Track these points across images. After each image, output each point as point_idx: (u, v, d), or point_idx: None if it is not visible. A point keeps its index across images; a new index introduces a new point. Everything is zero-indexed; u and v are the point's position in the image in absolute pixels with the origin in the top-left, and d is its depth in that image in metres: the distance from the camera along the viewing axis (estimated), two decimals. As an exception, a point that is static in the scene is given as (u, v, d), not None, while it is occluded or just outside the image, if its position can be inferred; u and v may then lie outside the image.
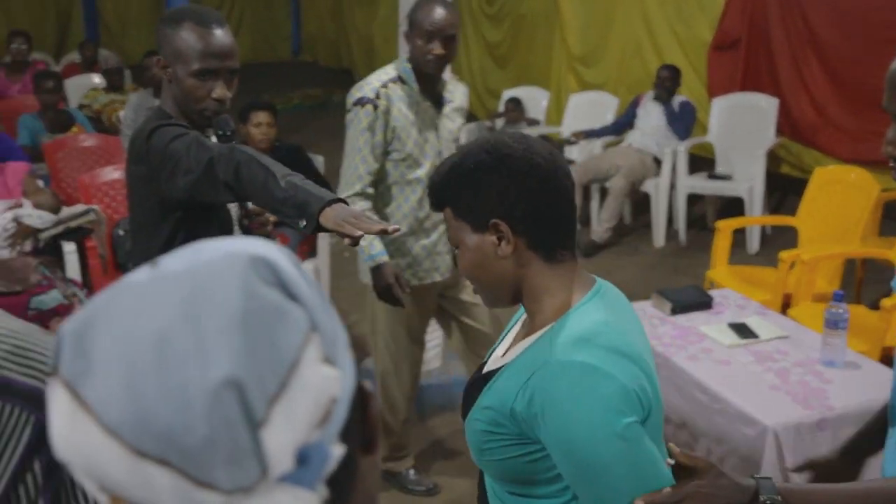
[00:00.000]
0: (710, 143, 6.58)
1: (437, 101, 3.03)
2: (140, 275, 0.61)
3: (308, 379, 0.57)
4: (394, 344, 3.16)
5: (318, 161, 4.86)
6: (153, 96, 5.79)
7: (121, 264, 4.39)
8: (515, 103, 7.38)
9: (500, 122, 7.42)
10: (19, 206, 4.10)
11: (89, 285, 4.24)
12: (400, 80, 2.96)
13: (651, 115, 6.38)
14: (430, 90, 3.00)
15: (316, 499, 0.57)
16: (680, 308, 3.30)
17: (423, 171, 2.98)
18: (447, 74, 3.10)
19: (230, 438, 0.54)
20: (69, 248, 4.20)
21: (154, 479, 0.55)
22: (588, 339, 1.34)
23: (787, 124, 6.63)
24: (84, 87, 7.08)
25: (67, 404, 0.57)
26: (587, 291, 1.42)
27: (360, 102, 2.93)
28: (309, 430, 0.57)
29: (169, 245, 2.15)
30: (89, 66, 7.82)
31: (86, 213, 4.24)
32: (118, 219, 4.45)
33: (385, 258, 2.92)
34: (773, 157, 6.50)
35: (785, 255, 4.04)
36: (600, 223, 6.18)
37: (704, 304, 3.34)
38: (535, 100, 7.74)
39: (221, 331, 0.56)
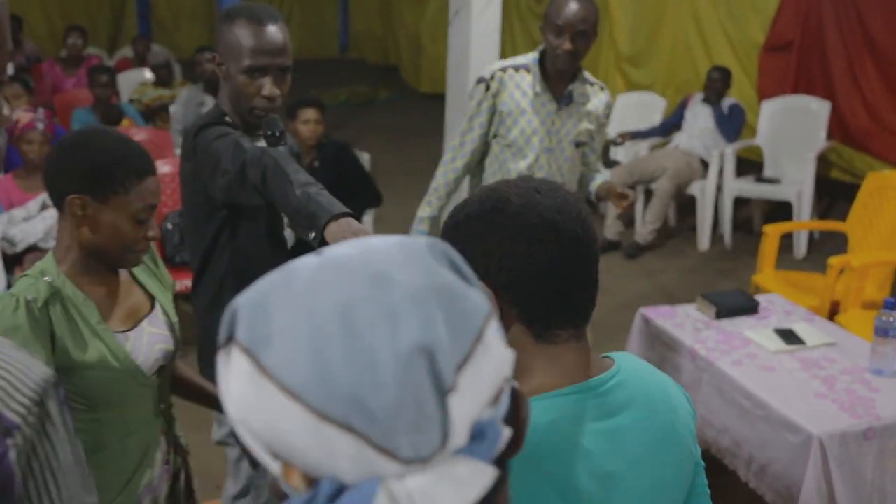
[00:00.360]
0: (758, 146, 6.49)
1: (562, 98, 2.98)
2: (309, 259, 0.62)
3: (491, 352, 0.59)
4: None
5: (365, 158, 4.90)
6: (203, 92, 5.87)
7: (169, 258, 4.46)
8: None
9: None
10: (72, 197, 4.18)
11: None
12: (525, 68, 2.97)
13: (699, 117, 6.32)
14: (555, 86, 2.97)
15: (493, 473, 0.57)
16: (725, 312, 3.26)
17: (525, 163, 2.98)
18: (589, 76, 3.04)
19: (417, 404, 0.55)
20: (119, 240, 4.27)
21: (334, 443, 0.55)
22: None
23: (839, 128, 6.52)
24: (135, 81, 7.20)
25: (247, 369, 0.58)
26: (575, 382, 1.17)
27: (479, 80, 3.03)
28: (484, 406, 0.58)
29: (215, 241, 2.18)
30: (141, 61, 7.94)
31: (136, 205, 4.30)
32: (167, 212, 4.52)
33: None
34: (823, 161, 6.40)
35: (834, 260, 3.98)
36: (644, 225, 6.14)
37: (750, 308, 3.31)
38: (582, 100, 7.69)
39: (408, 300, 0.58)
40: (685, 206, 6.65)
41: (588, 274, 1.18)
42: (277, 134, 2.07)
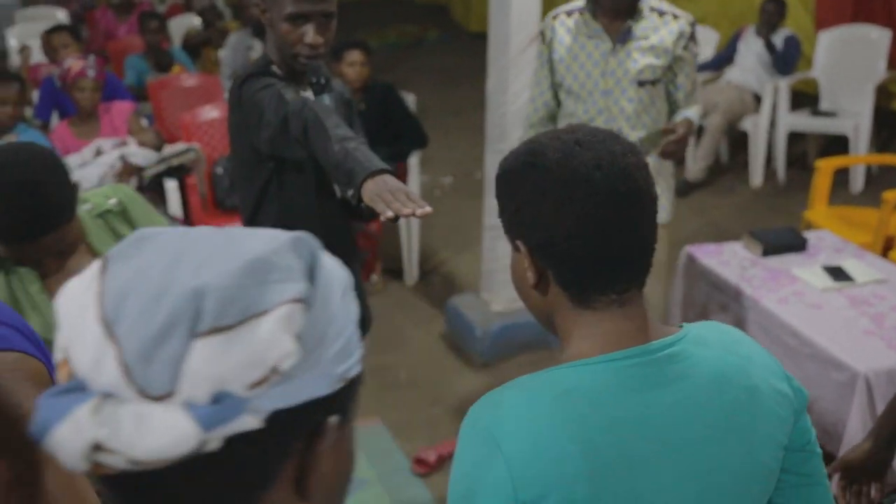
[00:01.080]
0: (814, 79, 6.32)
1: (618, 36, 2.77)
2: None
3: (263, 333, 0.59)
4: None
5: (410, 99, 4.89)
6: (251, 36, 5.89)
7: (220, 201, 4.54)
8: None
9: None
10: (125, 144, 4.25)
11: (190, 221, 4.40)
12: (579, 10, 2.82)
13: (752, 50, 6.17)
14: (611, 23, 2.78)
15: (196, 435, 0.57)
16: (772, 249, 3.23)
17: (583, 107, 2.84)
18: (661, 5, 2.79)
19: (167, 335, 0.57)
20: (171, 186, 4.36)
21: (99, 347, 0.58)
22: (529, 401, 1.06)
23: (900, 58, 6.30)
24: (185, 26, 7.24)
25: (92, 273, 0.63)
26: (616, 349, 1.08)
27: (539, 31, 2.93)
28: (237, 379, 0.58)
29: (264, 193, 2.19)
30: (190, 5, 7.98)
31: (186, 151, 4.37)
32: (217, 157, 4.59)
33: None
34: (882, 93, 6.21)
35: (889, 195, 3.89)
36: (695, 161, 6.05)
37: (798, 245, 3.27)
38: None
39: (229, 258, 0.61)
40: (738, 141, 6.52)
41: (631, 235, 1.08)
42: (323, 81, 2.06)
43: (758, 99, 6.07)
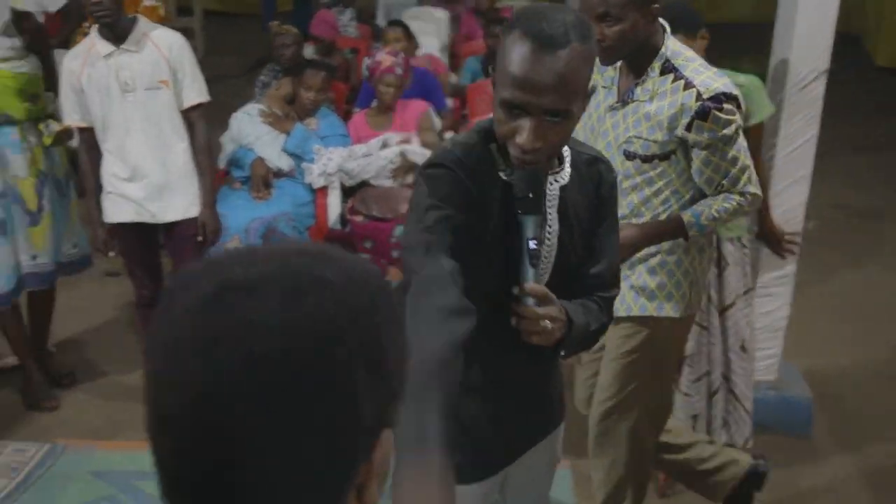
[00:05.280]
0: None
1: (624, 93, 2.27)
2: None
3: None
4: None
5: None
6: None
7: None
8: None
9: None
10: (408, 142, 4.41)
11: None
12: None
13: None
14: (626, 76, 2.28)
15: None
16: None
17: None
18: (684, 67, 2.17)
19: None
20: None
21: None
22: None
23: None
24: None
25: None
26: None
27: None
28: None
29: None
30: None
31: (463, 152, 4.41)
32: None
33: None
34: None
35: None
36: None
37: None
38: None
39: None
40: None
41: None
42: (529, 196, 1.54)
43: None
